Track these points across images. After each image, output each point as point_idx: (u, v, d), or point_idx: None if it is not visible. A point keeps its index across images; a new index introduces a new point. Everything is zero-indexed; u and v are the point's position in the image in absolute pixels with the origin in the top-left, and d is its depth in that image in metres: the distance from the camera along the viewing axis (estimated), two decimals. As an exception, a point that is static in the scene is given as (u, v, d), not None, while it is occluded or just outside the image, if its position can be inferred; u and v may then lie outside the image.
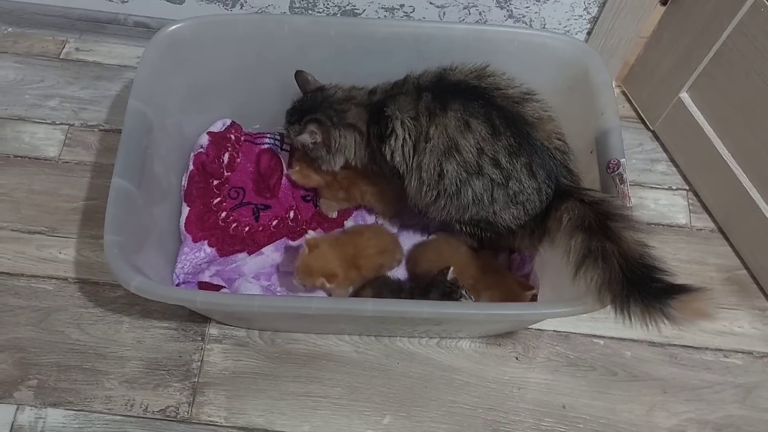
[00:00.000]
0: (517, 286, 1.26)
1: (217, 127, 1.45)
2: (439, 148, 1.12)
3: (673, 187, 1.56)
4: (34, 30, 1.66)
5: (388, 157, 1.18)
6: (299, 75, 1.29)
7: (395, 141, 1.16)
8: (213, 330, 1.35)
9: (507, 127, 1.10)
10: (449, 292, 1.20)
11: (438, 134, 1.12)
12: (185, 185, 1.37)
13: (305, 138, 1.24)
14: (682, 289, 0.95)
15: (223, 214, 1.38)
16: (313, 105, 1.25)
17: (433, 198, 1.17)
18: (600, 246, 1.01)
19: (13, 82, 1.60)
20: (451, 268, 1.21)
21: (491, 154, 1.10)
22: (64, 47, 1.66)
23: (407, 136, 1.14)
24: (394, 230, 1.42)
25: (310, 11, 1.51)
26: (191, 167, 1.39)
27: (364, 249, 1.29)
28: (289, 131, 1.29)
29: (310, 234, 1.25)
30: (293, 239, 1.40)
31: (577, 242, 1.04)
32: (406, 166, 1.17)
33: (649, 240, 1.01)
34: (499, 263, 1.34)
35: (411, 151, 1.15)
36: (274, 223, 1.40)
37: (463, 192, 1.14)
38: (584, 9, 1.45)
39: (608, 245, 1.00)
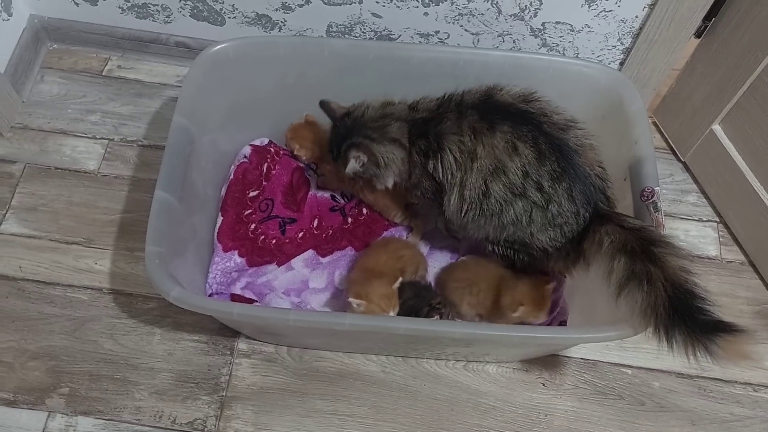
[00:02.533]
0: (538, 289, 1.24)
1: (256, 143, 1.48)
2: (486, 167, 1.13)
3: (704, 219, 1.56)
4: (78, 47, 1.71)
5: (433, 173, 1.19)
6: (324, 105, 1.28)
7: (444, 157, 1.17)
8: (242, 345, 1.36)
9: (552, 152, 1.12)
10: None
11: (486, 154, 1.13)
12: (223, 195, 1.40)
13: (353, 166, 1.24)
14: (728, 328, 0.96)
15: (253, 226, 1.41)
16: (345, 131, 1.25)
17: (475, 216, 1.18)
18: (644, 269, 1.02)
19: (56, 96, 1.65)
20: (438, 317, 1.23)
21: (535, 178, 1.12)
22: (106, 64, 1.70)
23: (456, 153, 1.16)
24: (424, 252, 1.43)
25: (347, 35, 1.54)
26: (231, 176, 1.42)
27: (377, 259, 1.31)
28: (338, 167, 1.29)
29: (354, 302, 1.20)
30: (322, 255, 1.42)
31: (620, 264, 1.05)
32: (449, 182, 1.18)
33: (692, 267, 1.02)
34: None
35: (456, 169, 1.16)
36: (300, 235, 1.43)
37: (505, 212, 1.15)
38: (618, 40, 1.47)
39: (652, 269, 1.01)
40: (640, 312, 1.01)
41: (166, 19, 1.60)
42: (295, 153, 1.46)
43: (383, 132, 1.22)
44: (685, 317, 0.97)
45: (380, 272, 1.28)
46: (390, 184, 1.28)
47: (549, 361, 1.37)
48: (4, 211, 1.48)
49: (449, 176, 1.17)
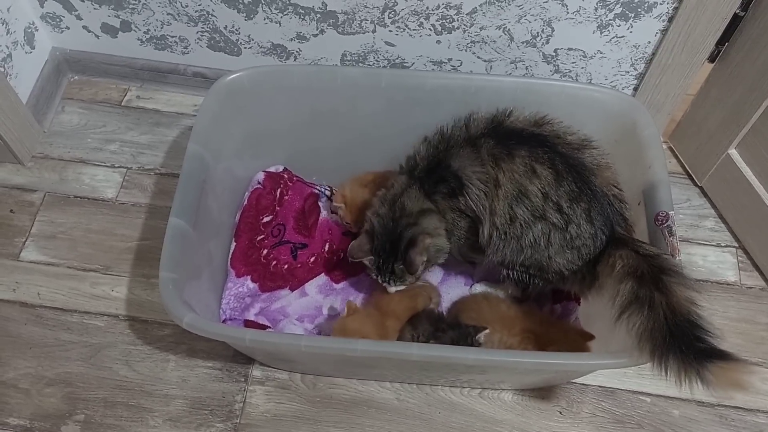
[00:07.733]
0: (578, 336, 1.25)
1: (271, 170, 1.49)
2: (510, 193, 1.13)
3: (722, 244, 1.54)
4: (99, 78, 1.75)
5: (466, 210, 1.18)
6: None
7: (469, 192, 1.16)
8: (256, 371, 1.36)
9: (568, 172, 1.12)
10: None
11: (507, 180, 1.13)
12: (237, 221, 1.42)
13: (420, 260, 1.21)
14: (723, 356, 0.95)
15: (265, 251, 1.42)
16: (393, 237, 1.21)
17: (499, 242, 1.18)
18: (648, 295, 1.01)
19: (77, 126, 1.68)
20: (484, 334, 1.21)
21: (554, 199, 1.12)
22: (126, 95, 1.73)
23: (479, 184, 1.15)
24: (438, 278, 1.43)
25: (360, 64, 1.56)
26: (245, 202, 1.43)
27: (388, 304, 1.30)
28: (395, 278, 1.24)
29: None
30: (336, 281, 1.42)
31: (626, 287, 1.04)
32: (482, 213, 1.17)
33: (700, 300, 1.01)
34: (548, 315, 1.33)
35: (485, 198, 1.15)
36: (312, 259, 1.44)
37: (524, 235, 1.15)
38: (631, 65, 1.47)
39: (657, 296, 1.01)
40: (637, 336, 1.00)
41: (184, 50, 1.63)
42: (339, 212, 1.44)
43: (417, 228, 1.20)
44: (681, 343, 0.96)
45: (397, 312, 1.28)
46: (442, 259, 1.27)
47: (566, 389, 1.35)
48: (24, 239, 1.51)
49: (480, 207, 1.16)
